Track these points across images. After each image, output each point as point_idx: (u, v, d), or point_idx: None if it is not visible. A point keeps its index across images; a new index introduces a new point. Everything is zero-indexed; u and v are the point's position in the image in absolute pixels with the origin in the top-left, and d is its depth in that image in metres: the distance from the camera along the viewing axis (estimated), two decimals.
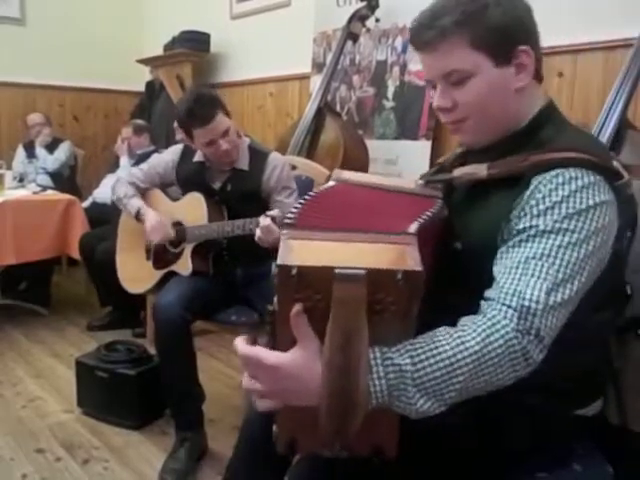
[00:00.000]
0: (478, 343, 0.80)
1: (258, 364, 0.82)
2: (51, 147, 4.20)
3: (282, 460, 1.25)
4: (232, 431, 2.27)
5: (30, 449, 2.11)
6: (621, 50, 2.23)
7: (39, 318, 3.48)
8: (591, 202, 0.87)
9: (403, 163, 3.05)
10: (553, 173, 0.90)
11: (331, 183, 1.08)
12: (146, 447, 2.16)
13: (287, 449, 0.92)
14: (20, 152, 4.25)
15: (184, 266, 2.15)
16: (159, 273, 2.26)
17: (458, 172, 1.03)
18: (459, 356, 0.79)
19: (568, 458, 1.02)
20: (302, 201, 0.97)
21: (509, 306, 0.82)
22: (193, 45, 4.29)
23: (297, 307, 0.80)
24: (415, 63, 2.97)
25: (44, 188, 3.71)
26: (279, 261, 0.78)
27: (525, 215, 0.90)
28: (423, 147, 2.94)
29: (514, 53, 0.95)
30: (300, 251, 0.81)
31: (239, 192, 2.14)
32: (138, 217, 2.24)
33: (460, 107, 0.99)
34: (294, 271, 0.78)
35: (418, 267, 0.79)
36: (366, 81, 3.26)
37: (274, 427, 0.92)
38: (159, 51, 4.54)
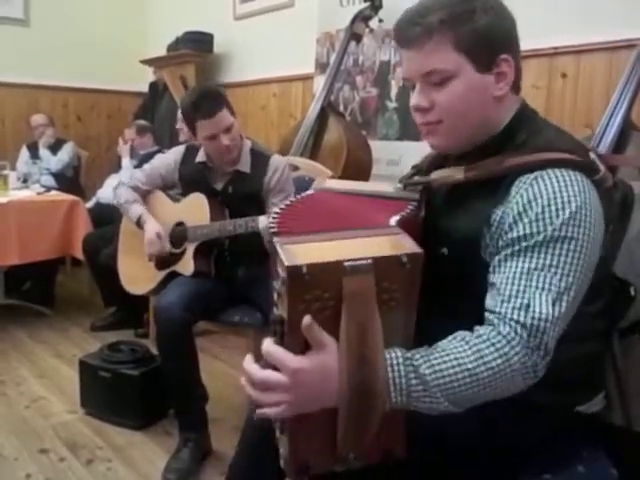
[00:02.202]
0: (495, 359, 0.83)
1: (281, 365, 0.83)
2: (54, 148, 4.22)
3: None
4: (235, 431, 2.27)
5: (34, 449, 2.11)
6: (625, 51, 2.22)
7: (43, 318, 3.49)
8: (578, 200, 0.88)
9: (406, 164, 3.05)
10: (532, 176, 0.91)
11: (310, 191, 1.10)
12: (149, 447, 2.16)
13: (299, 474, 0.92)
14: (24, 153, 4.26)
15: (186, 266, 2.15)
16: (161, 274, 2.26)
17: (435, 175, 1.03)
18: (477, 370, 0.83)
19: (572, 460, 1.02)
20: (279, 209, 1.01)
21: (518, 322, 0.85)
22: (196, 46, 4.30)
23: (306, 319, 0.81)
24: None
25: (48, 189, 3.72)
26: (287, 263, 0.79)
27: (515, 223, 0.90)
28: (426, 148, 2.90)
29: (496, 61, 0.95)
30: (303, 253, 0.82)
31: (241, 194, 2.14)
32: (139, 224, 2.26)
33: (437, 108, 0.98)
34: (304, 270, 0.79)
35: (418, 249, 0.83)
36: (369, 82, 3.26)
37: (281, 451, 0.92)
38: (162, 52, 4.55)
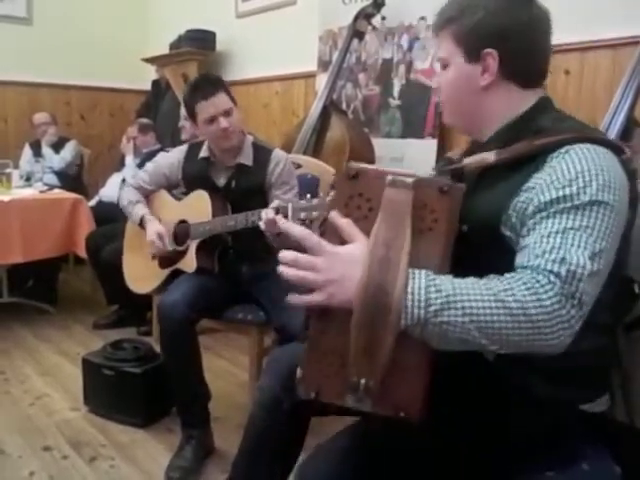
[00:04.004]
0: (525, 296, 0.82)
1: (319, 249, 0.89)
2: (57, 146, 4.22)
3: (287, 456, 1.26)
4: (238, 429, 2.26)
5: (37, 446, 2.12)
6: (628, 48, 2.21)
7: (46, 316, 3.49)
8: (610, 174, 0.90)
9: (409, 161, 3.05)
10: (563, 150, 0.94)
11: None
12: (152, 445, 2.17)
13: (309, 395, 0.93)
14: (27, 151, 4.26)
15: (189, 263, 2.15)
16: (164, 273, 2.26)
17: (468, 160, 1.06)
18: (506, 298, 0.82)
19: (576, 457, 1.01)
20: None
21: (551, 271, 0.84)
22: (199, 44, 4.30)
23: (342, 216, 0.90)
24: (421, 61, 2.97)
25: (51, 187, 3.73)
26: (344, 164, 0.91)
27: (549, 189, 0.91)
28: (429, 145, 2.93)
29: (481, 54, 1.04)
30: (359, 166, 0.94)
31: (243, 188, 2.14)
32: (141, 225, 2.28)
33: (440, 89, 1.14)
34: (352, 172, 0.91)
35: (461, 184, 0.91)
36: (372, 79, 3.26)
37: (298, 371, 0.95)
38: (165, 50, 4.55)
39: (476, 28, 1.03)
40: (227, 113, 2.07)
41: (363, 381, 0.87)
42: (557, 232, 0.87)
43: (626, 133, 1.96)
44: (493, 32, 1.03)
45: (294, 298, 0.91)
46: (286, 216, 1.76)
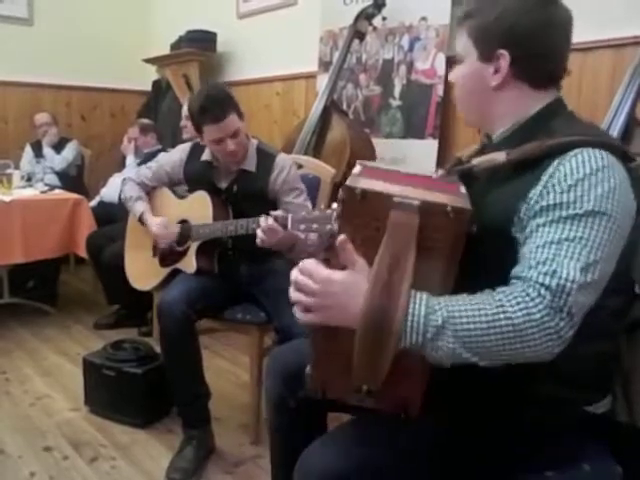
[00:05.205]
0: (516, 312, 0.85)
1: (313, 274, 0.92)
2: (58, 147, 4.22)
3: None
4: (238, 429, 2.27)
5: (38, 447, 2.12)
6: (630, 48, 2.22)
7: (46, 316, 3.49)
8: (612, 182, 0.90)
9: (410, 162, 3.04)
10: (572, 153, 0.93)
11: (359, 167, 1.10)
12: (153, 445, 2.16)
13: (317, 391, 0.99)
14: (28, 152, 4.26)
15: (189, 264, 2.15)
16: (166, 270, 2.26)
17: (477, 161, 1.06)
18: (496, 317, 0.85)
19: (577, 457, 1.01)
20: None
21: (543, 284, 0.86)
22: (200, 44, 4.30)
23: (342, 236, 0.90)
24: (422, 62, 2.97)
25: (52, 187, 3.72)
26: (347, 183, 0.89)
27: (549, 193, 0.91)
28: (430, 146, 2.93)
29: (495, 54, 1.03)
30: (365, 183, 0.92)
31: (245, 193, 2.14)
32: (141, 221, 2.30)
33: (455, 83, 1.13)
34: (358, 191, 0.89)
35: (468, 206, 0.89)
36: (373, 80, 3.26)
37: (307, 369, 0.99)
38: (166, 50, 4.55)
39: (491, 27, 1.03)
40: (235, 134, 2.04)
41: (365, 387, 0.91)
42: (552, 242, 0.88)
43: (627, 133, 1.96)
44: (507, 33, 1.02)
45: (297, 314, 0.95)
46: (285, 226, 1.76)
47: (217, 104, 1.99)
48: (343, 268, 0.91)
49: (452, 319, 0.85)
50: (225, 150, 2.05)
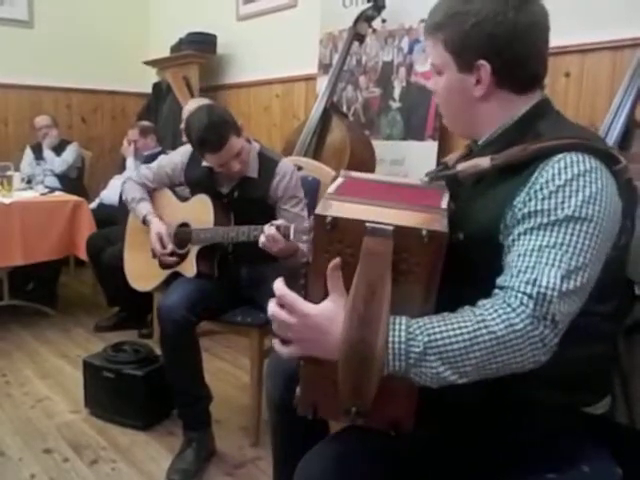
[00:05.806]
0: (498, 324, 0.83)
1: (291, 308, 0.90)
2: (58, 149, 4.23)
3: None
4: (239, 431, 2.27)
5: (38, 449, 2.12)
6: (629, 50, 2.22)
7: (46, 318, 3.49)
8: (595, 187, 0.88)
9: (410, 164, 3.05)
10: (555, 158, 0.92)
11: (340, 179, 1.08)
12: (153, 447, 2.16)
13: (308, 413, 0.98)
14: (28, 154, 4.27)
15: (189, 268, 2.15)
16: (165, 272, 2.26)
17: (461, 166, 1.04)
18: (478, 333, 0.83)
19: (576, 459, 1.01)
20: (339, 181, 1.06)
21: (524, 293, 0.84)
22: (200, 46, 4.31)
23: (335, 260, 0.87)
24: (421, 64, 2.97)
25: (52, 190, 3.73)
26: (316, 211, 0.86)
27: (530, 200, 0.90)
28: (430, 147, 2.93)
29: (475, 65, 1.00)
30: (337, 207, 0.89)
31: (246, 199, 2.13)
32: (144, 223, 2.29)
33: (436, 93, 1.10)
34: (328, 220, 0.86)
35: (443, 229, 0.85)
36: (372, 82, 3.26)
37: (297, 390, 0.99)
38: (166, 53, 4.56)
39: (466, 38, 0.99)
40: (237, 155, 2.03)
41: (354, 409, 0.90)
42: (532, 250, 0.87)
43: (627, 135, 1.96)
44: (485, 43, 0.98)
45: (276, 345, 0.94)
46: (287, 236, 1.76)
47: (215, 133, 1.96)
48: (324, 294, 0.89)
49: (434, 342, 0.83)
50: (230, 170, 2.06)
